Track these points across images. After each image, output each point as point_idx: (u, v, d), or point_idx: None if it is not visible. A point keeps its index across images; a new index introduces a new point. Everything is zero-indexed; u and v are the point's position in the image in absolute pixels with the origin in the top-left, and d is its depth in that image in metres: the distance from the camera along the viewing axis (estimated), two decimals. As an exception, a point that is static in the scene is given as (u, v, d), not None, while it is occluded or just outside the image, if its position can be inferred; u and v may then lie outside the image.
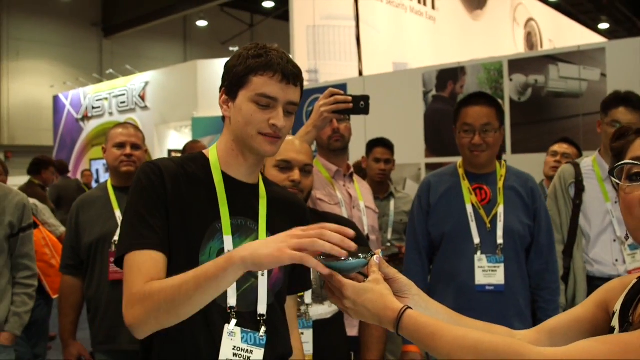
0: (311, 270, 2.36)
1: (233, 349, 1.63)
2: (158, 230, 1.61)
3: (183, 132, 15.63)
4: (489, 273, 2.81)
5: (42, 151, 16.51)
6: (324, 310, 2.34)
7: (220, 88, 1.79)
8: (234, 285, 1.65)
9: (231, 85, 1.73)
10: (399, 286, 1.44)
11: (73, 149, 18.53)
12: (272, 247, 1.36)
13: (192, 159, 1.79)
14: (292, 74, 1.70)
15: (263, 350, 1.67)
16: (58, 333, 3.51)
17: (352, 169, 3.30)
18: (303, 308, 2.29)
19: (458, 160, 3.11)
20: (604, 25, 24.43)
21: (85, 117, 18.22)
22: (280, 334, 1.78)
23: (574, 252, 3.36)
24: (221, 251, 1.68)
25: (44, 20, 22.63)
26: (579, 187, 3.40)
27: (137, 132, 3.36)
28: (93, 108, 17.96)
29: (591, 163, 3.46)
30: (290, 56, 1.78)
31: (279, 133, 1.71)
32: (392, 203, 4.52)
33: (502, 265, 2.81)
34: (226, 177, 1.77)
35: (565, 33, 15.95)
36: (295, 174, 2.35)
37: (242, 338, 1.64)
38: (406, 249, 3.11)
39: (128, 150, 3.26)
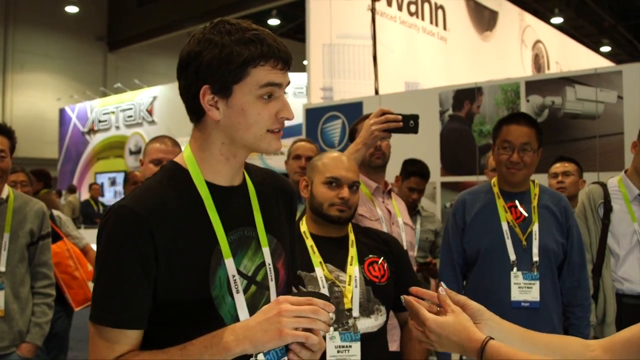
0: (358, 284, 2.41)
1: None
2: (139, 305, 1.45)
3: (190, 147, 15.69)
4: (524, 290, 2.86)
5: (46, 164, 16.58)
6: (370, 324, 2.37)
7: (195, 85, 1.50)
8: (247, 313, 1.50)
9: (221, 81, 1.47)
10: (471, 312, 1.51)
11: (78, 162, 18.60)
12: (271, 332, 1.33)
13: (170, 175, 1.57)
14: (289, 57, 1.52)
15: None
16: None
17: (390, 186, 3.35)
18: (351, 321, 2.33)
19: (473, 178, 3.18)
20: (605, 49, 24.65)
21: (92, 131, 18.34)
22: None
23: (602, 270, 3.42)
24: (229, 279, 1.51)
25: (49, 33, 22.77)
26: (607, 208, 3.46)
27: (175, 147, 3.32)
28: (100, 121, 18.09)
29: (617, 183, 3.51)
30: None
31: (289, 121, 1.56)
32: (418, 221, 4.56)
33: (537, 282, 2.86)
34: (212, 187, 1.56)
35: (570, 56, 16.07)
36: (345, 192, 2.39)
37: None
38: (440, 266, 3.15)
39: None
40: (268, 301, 1.54)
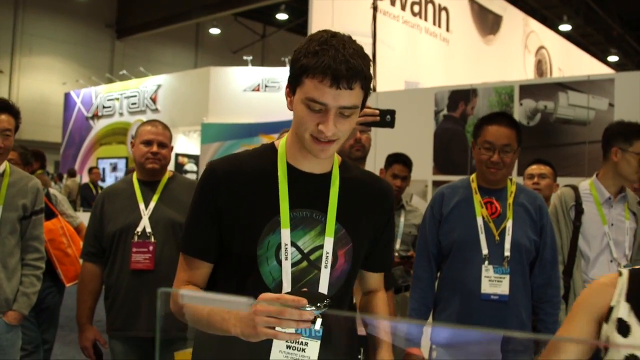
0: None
1: (286, 341, 1.65)
2: (205, 241, 1.77)
3: (192, 137, 15.80)
4: (494, 283, 2.95)
5: (49, 147, 16.70)
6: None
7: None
8: (289, 279, 1.70)
9: (291, 80, 1.68)
10: None
11: (81, 147, 18.70)
12: (250, 327, 1.48)
13: (263, 151, 1.84)
14: (344, 78, 1.57)
15: (319, 342, 1.67)
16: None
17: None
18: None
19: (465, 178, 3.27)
20: (613, 58, 24.66)
21: (96, 116, 18.42)
22: (341, 325, 1.80)
23: (573, 272, 3.50)
24: (279, 246, 1.71)
25: (58, 18, 22.89)
26: (579, 210, 3.53)
27: (165, 130, 3.45)
28: (104, 107, 18.17)
29: (588, 187, 3.58)
30: None
31: (329, 138, 1.64)
32: (402, 215, 4.64)
33: (507, 277, 2.94)
34: (291, 169, 1.77)
35: (574, 63, 16.14)
36: None
37: (296, 331, 1.57)
38: (416, 256, 3.24)
39: (154, 148, 3.34)
40: (315, 280, 1.73)
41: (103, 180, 15.95)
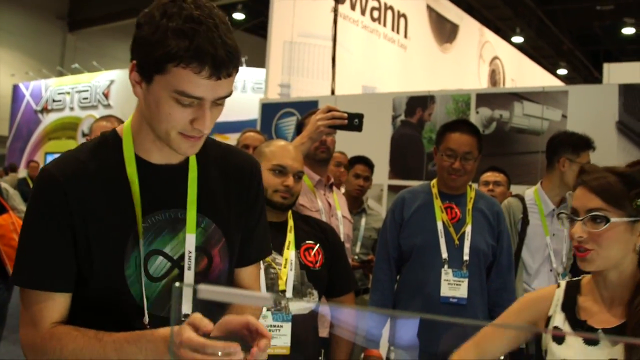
0: (293, 268, 2.51)
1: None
2: (59, 266, 1.41)
3: (144, 134, 15.61)
4: (453, 286, 2.99)
5: (-4, 140, 16.24)
6: (302, 306, 2.47)
7: (132, 54, 1.39)
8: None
9: (144, 64, 1.34)
10: None
11: (29, 141, 18.29)
12: (175, 355, 1.20)
13: (105, 144, 1.51)
14: (224, 65, 1.30)
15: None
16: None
17: (332, 180, 3.45)
18: (284, 302, 2.42)
19: (419, 183, 3.32)
20: (562, 71, 25.26)
21: (45, 110, 18.05)
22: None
23: (515, 283, 3.53)
24: (147, 258, 1.45)
25: (7, 8, 22.22)
26: (525, 222, 3.57)
27: (121, 125, 3.42)
28: (54, 101, 17.83)
29: (533, 196, 3.61)
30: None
31: (203, 133, 1.41)
32: (363, 219, 4.68)
33: (466, 280, 3.00)
34: (143, 164, 1.48)
35: (526, 74, 16.50)
36: (290, 180, 2.48)
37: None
38: (376, 259, 3.27)
39: None
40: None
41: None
